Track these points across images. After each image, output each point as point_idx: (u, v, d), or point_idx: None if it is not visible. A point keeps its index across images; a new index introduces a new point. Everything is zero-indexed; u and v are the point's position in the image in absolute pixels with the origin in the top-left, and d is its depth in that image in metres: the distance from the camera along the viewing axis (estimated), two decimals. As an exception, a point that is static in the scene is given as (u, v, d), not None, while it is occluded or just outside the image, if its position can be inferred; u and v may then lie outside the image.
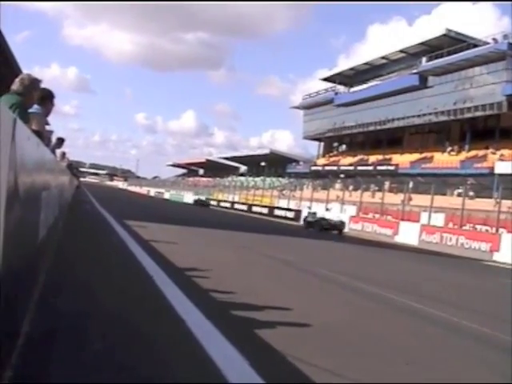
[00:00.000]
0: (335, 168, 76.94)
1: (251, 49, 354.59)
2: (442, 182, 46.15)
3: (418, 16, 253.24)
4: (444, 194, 46.79)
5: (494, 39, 56.39)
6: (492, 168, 50.65)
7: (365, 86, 79.37)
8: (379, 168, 67.57)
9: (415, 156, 66.29)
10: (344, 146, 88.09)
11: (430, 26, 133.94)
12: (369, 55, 78.12)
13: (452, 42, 60.42)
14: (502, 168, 48.95)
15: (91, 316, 5.16)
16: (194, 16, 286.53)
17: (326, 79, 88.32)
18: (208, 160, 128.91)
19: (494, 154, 54.49)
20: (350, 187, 55.10)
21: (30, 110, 5.92)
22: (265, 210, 53.69)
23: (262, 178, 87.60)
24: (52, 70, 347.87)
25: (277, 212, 50.89)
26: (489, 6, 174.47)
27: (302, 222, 43.27)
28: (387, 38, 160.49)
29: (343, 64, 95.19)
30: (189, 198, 79.19)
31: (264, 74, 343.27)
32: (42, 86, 6.36)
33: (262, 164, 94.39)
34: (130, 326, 5.05)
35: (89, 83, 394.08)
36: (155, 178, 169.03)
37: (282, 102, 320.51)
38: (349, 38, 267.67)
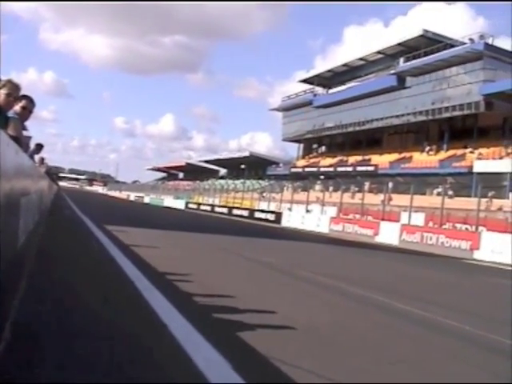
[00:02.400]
0: (315, 169, 77.28)
1: (229, 51, 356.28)
2: (421, 182, 46.46)
3: (393, 17, 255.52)
4: (423, 194, 47.07)
5: (470, 39, 56.95)
6: (470, 167, 51.10)
7: (343, 87, 79.75)
8: (359, 169, 67.94)
9: (394, 156, 66.68)
10: (323, 148, 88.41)
11: (406, 27, 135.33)
12: (347, 57, 78.48)
13: (429, 42, 60.89)
14: (480, 167, 49.41)
15: (72, 321, 5.12)
16: (171, 19, 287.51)
17: (304, 81, 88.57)
18: (188, 163, 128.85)
19: (472, 153, 54.97)
20: (330, 188, 55.22)
21: (7, 115, 5.87)
22: (245, 213, 53.49)
23: (242, 180, 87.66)
24: (29, 75, 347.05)
25: (257, 214, 50.73)
26: (463, 7, 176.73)
27: (283, 224, 43.26)
28: (364, 39, 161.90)
29: (320, 66, 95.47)
30: (170, 201, 79.04)
31: (242, 76, 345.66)
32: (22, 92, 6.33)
33: (242, 167, 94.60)
34: (111, 330, 5.01)
35: (67, 88, 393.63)
36: (135, 182, 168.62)
37: (259, 104, 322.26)
38: (326, 40, 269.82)
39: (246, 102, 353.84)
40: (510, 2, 71.37)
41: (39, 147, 14.16)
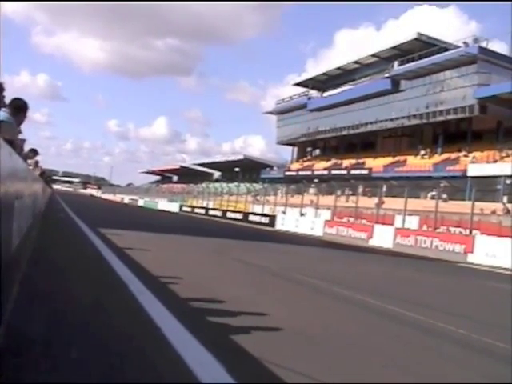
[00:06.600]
0: (309, 173, 77.19)
1: (221, 55, 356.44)
2: (415, 186, 46.42)
3: (385, 21, 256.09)
4: (418, 197, 47.09)
5: (464, 43, 57.03)
6: (465, 170, 51.14)
7: (338, 90, 79.84)
8: (353, 172, 67.89)
9: (388, 160, 66.70)
10: (317, 151, 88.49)
11: (398, 31, 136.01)
12: (341, 60, 78.57)
13: (423, 46, 61.00)
14: (474, 170, 49.46)
15: (66, 324, 5.11)
16: (163, 22, 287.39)
17: (298, 84, 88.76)
18: (182, 166, 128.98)
19: (466, 156, 55.06)
20: (325, 192, 55.21)
21: (2, 119, 5.85)
22: (239, 216, 53.44)
23: (236, 183, 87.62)
24: (22, 78, 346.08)
25: (251, 217, 50.68)
26: (456, 11, 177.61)
27: (277, 227, 43.23)
28: (355, 43, 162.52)
29: (312, 69, 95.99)
30: (164, 204, 78.98)
31: (234, 79, 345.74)
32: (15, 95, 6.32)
33: (236, 170, 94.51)
34: (105, 332, 5.00)
35: (60, 90, 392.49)
36: (129, 185, 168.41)
37: (252, 107, 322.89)
38: (317, 44, 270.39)
39: (238, 106, 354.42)
40: (503, 5, 71.52)
41: (34, 153, 14.12)
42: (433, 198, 42.06)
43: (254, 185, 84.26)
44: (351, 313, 8.06)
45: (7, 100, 6.53)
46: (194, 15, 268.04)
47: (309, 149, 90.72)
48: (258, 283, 10.30)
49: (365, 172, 66.22)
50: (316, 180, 67.45)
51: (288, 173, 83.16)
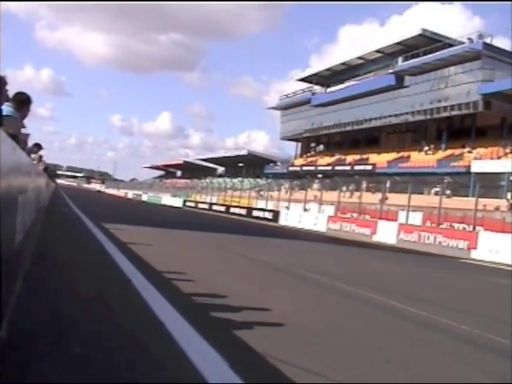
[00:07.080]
0: (313, 168, 77.08)
1: (224, 50, 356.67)
2: (419, 181, 46.33)
3: (388, 17, 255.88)
4: (421, 193, 46.97)
5: (469, 39, 56.80)
6: (468, 167, 50.99)
7: (342, 86, 79.57)
8: (357, 168, 67.72)
9: (392, 155, 66.56)
10: (321, 146, 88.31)
11: (402, 27, 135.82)
12: (345, 55, 78.37)
13: (428, 41, 60.76)
14: (478, 167, 49.34)
15: (69, 319, 5.12)
16: (167, 17, 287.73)
17: (302, 79, 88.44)
18: (185, 162, 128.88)
19: (470, 152, 54.91)
20: (328, 187, 55.16)
21: (6, 114, 5.85)
22: (243, 211, 53.45)
23: (239, 179, 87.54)
24: (26, 72, 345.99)
25: (255, 213, 50.68)
26: (460, 7, 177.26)
27: (280, 223, 43.21)
28: (359, 38, 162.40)
29: (315, 65, 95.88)
30: (168, 199, 79.07)
31: (237, 75, 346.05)
32: (18, 89, 6.33)
33: (240, 165, 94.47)
34: (109, 328, 5.01)
35: (63, 85, 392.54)
36: (133, 180, 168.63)
37: (255, 102, 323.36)
38: (321, 40, 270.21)
39: (242, 101, 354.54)
40: (506, 3, 71.19)
41: (38, 147, 14.14)
42: (436, 193, 41.98)
43: (258, 180, 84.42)
44: (354, 308, 8.06)
45: (10, 94, 6.53)
46: (198, 11, 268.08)
47: (312, 144, 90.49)
48: (261, 279, 10.31)
49: (368, 168, 66.08)
50: (320, 175, 67.35)
51: (292, 168, 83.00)
